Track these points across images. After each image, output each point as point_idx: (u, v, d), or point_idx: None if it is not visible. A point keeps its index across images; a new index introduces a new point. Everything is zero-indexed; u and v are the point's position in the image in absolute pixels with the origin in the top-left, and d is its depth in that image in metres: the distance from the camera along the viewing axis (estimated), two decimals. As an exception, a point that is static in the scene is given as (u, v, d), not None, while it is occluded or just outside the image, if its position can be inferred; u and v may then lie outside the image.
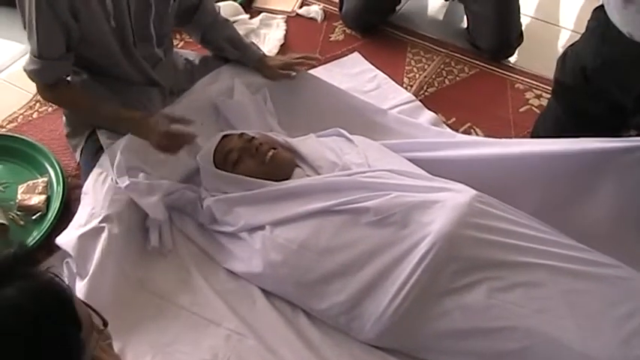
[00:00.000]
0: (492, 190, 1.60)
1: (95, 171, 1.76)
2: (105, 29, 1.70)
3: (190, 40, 2.50)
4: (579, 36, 1.80)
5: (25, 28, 1.65)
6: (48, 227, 1.82)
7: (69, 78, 1.83)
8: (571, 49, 1.81)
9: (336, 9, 2.64)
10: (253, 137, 1.74)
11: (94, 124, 1.87)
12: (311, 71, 2.10)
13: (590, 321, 1.37)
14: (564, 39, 2.48)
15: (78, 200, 1.76)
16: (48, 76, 1.71)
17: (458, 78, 2.39)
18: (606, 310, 1.39)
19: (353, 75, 2.36)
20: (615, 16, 1.58)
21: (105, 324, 0.89)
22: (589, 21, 1.73)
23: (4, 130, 2.18)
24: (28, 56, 1.70)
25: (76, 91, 1.81)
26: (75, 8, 1.62)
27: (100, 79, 1.86)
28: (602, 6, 1.64)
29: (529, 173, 1.68)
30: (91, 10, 1.64)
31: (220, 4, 2.43)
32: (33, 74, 1.70)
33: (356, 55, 2.46)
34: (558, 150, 1.63)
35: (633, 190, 1.57)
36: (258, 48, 2.07)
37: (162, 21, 1.84)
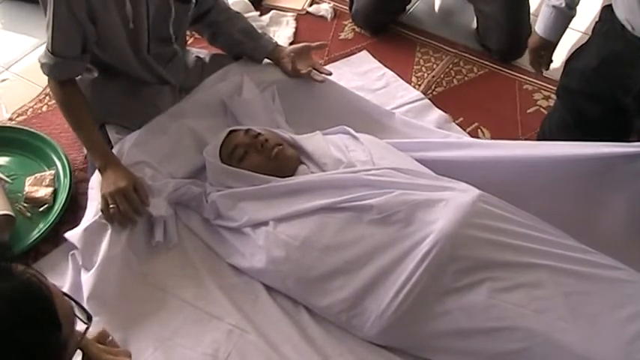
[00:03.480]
0: (498, 194, 1.59)
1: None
2: (122, 35, 1.72)
3: (200, 37, 2.52)
4: (588, 38, 1.79)
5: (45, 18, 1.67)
6: (54, 219, 1.83)
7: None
8: (575, 52, 1.81)
9: (346, 7, 2.64)
10: (259, 133, 1.74)
11: (103, 119, 1.89)
12: (320, 69, 2.10)
13: (591, 323, 1.37)
14: (574, 41, 2.47)
15: (84, 193, 1.78)
16: (58, 73, 1.73)
17: (466, 78, 2.38)
18: (609, 312, 1.38)
19: (361, 73, 2.36)
20: (618, 2, 1.57)
21: (89, 318, 0.88)
22: (596, 22, 1.73)
23: (13, 122, 2.20)
24: (44, 48, 1.71)
25: (80, 100, 1.77)
26: (93, 13, 1.64)
27: (111, 77, 1.88)
28: (609, 5, 1.64)
29: (537, 177, 1.66)
30: (110, 16, 1.67)
31: (231, 0, 2.43)
32: (44, 68, 1.72)
33: (364, 53, 2.46)
34: (566, 155, 1.61)
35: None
36: (271, 38, 2.06)
37: (180, 23, 1.87)
